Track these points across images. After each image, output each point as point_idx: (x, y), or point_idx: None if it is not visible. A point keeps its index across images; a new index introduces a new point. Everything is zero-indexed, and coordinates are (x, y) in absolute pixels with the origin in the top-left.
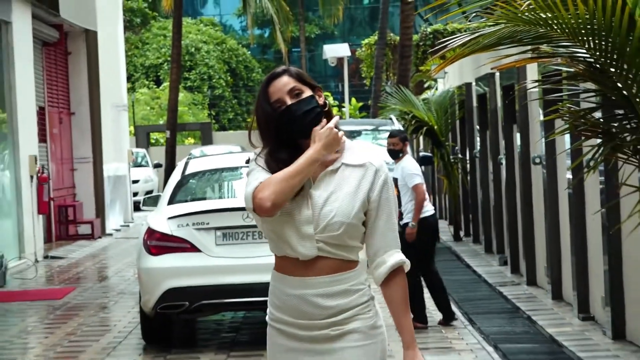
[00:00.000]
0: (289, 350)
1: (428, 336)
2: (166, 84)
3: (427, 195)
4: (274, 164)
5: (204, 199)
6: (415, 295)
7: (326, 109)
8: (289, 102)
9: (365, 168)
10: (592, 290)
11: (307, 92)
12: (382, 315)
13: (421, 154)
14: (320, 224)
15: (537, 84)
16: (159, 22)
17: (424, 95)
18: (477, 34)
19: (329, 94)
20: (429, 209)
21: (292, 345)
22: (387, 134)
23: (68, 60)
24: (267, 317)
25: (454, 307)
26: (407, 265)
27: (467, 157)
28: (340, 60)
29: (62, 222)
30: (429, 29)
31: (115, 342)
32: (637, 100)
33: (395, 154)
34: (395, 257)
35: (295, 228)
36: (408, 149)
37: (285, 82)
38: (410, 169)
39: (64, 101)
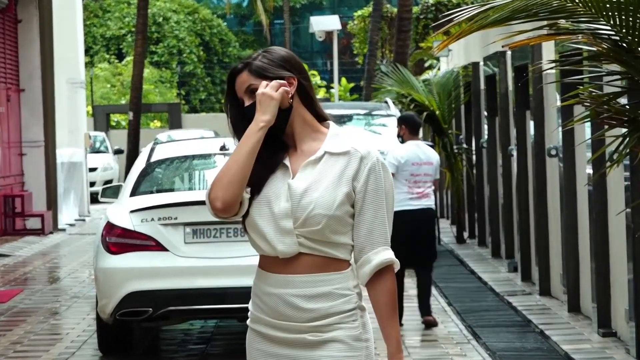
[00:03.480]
0: (267, 355)
1: (426, 352)
2: (129, 58)
3: (418, 190)
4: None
5: (172, 190)
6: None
7: (290, 101)
8: (247, 102)
9: (349, 155)
10: (615, 302)
11: None
12: (371, 328)
13: None
14: (300, 217)
15: (554, 64)
16: None
17: (424, 76)
18: (486, 7)
19: (315, 72)
20: (405, 204)
21: (271, 350)
22: (381, 119)
23: (18, 29)
24: (248, 320)
25: (456, 319)
26: (397, 265)
27: (473, 148)
28: (329, 34)
29: (8, 215)
30: (431, 0)
31: (67, 353)
32: None
33: (399, 137)
34: (382, 255)
35: (274, 222)
36: (419, 135)
37: (243, 81)
38: (387, 155)
39: (12, 76)
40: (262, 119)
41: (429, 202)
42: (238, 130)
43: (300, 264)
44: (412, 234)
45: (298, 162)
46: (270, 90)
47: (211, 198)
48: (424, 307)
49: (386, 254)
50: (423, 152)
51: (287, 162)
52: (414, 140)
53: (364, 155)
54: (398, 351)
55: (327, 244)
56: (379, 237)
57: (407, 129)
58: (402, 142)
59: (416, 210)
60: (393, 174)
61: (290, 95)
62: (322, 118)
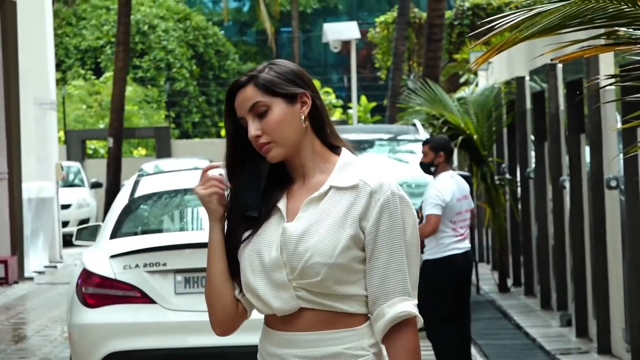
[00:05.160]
0: None
1: None
2: (109, 74)
3: (461, 230)
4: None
5: (160, 231)
6: (441, 352)
7: (303, 119)
8: (251, 123)
9: (357, 190)
10: None
11: (278, 107)
12: None
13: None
14: (296, 267)
15: (613, 80)
16: None
17: (459, 94)
18: (533, 12)
19: (329, 90)
20: (451, 247)
21: None
22: (409, 145)
23: None
24: None
25: None
26: (419, 320)
27: (518, 178)
28: (346, 44)
29: None
30: (467, 3)
31: None
32: None
33: (426, 167)
34: (399, 307)
35: (266, 275)
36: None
37: (247, 96)
38: (430, 192)
39: None
40: (209, 220)
41: (469, 245)
42: (235, 163)
43: (304, 321)
44: (458, 284)
45: (302, 199)
46: (197, 189)
47: (211, 324)
48: None
49: (403, 306)
50: (461, 185)
51: (281, 204)
52: (449, 171)
53: (374, 190)
54: None
55: (332, 297)
56: (395, 285)
57: (446, 156)
58: (434, 172)
59: (462, 254)
60: (434, 215)
61: (303, 117)
62: (335, 146)
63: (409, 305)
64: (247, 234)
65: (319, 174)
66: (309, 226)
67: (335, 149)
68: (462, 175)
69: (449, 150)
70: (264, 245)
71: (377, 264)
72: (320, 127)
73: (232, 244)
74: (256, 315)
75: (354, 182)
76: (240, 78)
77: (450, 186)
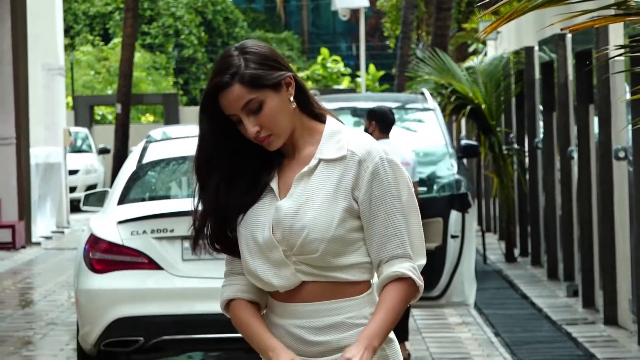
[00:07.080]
0: None
1: None
2: (117, 40)
3: None
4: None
5: (168, 197)
6: None
7: (292, 100)
8: (247, 120)
9: (346, 161)
10: None
11: (270, 99)
12: None
13: (463, 142)
14: (295, 243)
15: (622, 50)
16: None
17: (468, 63)
18: None
19: (338, 58)
20: None
21: None
22: (417, 114)
23: None
24: None
25: (505, 352)
26: (417, 282)
27: (526, 148)
28: (354, 12)
29: None
30: None
31: None
32: None
33: None
34: (393, 268)
35: (263, 255)
36: (393, 133)
37: (237, 96)
38: None
39: None
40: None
41: None
42: (210, 163)
43: (306, 292)
44: None
45: (293, 174)
46: None
47: None
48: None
49: (398, 267)
50: (395, 154)
51: (273, 183)
52: (383, 140)
53: (362, 158)
54: (367, 339)
55: (333, 269)
56: (394, 249)
57: (378, 126)
58: None
59: None
60: None
61: (292, 98)
62: (319, 114)
63: (405, 267)
64: (240, 217)
65: (309, 146)
66: (303, 203)
67: (319, 117)
68: (468, 145)
69: (381, 120)
70: (258, 226)
71: (375, 231)
72: (305, 102)
73: (228, 229)
74: None
75: (342, 152)
76: (220, 78)
77: None
